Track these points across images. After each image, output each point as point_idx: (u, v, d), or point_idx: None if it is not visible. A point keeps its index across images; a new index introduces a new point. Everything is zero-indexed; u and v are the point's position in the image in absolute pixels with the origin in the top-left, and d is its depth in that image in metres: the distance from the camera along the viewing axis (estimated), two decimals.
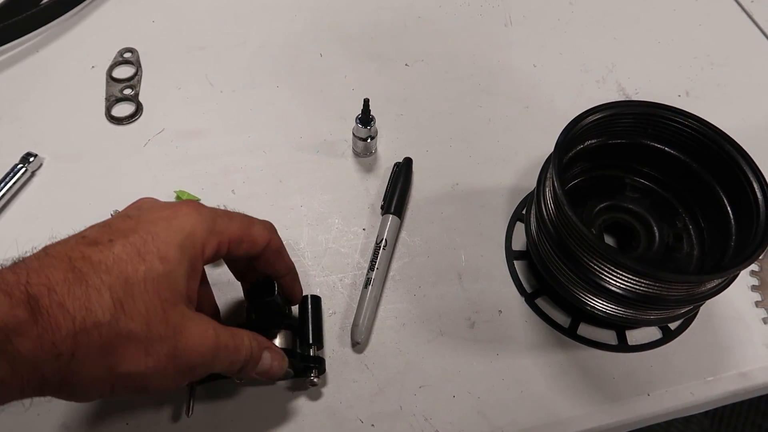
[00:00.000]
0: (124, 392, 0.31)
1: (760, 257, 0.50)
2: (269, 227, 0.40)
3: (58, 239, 0.32)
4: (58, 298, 0.28)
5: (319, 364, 0.41)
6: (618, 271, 0.39)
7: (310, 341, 0.41)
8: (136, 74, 0.60)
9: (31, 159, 0.53)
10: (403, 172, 0.53)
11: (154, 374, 0.31)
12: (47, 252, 0.30)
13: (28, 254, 0.31)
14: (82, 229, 0.33)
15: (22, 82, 0.60)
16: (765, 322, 0.47)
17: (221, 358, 0.34)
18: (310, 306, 0.43)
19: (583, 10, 0.70)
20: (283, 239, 0.40)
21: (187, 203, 0.36)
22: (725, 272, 0.38)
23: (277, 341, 0.40)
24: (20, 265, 0.29)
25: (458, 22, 0.68)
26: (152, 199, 0.37)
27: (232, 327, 0.36)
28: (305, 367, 0.41)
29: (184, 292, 0.33)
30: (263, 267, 0.40)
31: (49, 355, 0.28)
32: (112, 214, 0.46)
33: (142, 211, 0.34)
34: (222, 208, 0.38)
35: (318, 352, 0.42)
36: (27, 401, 0.29)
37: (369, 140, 0.54)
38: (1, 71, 0.61)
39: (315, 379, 0.41)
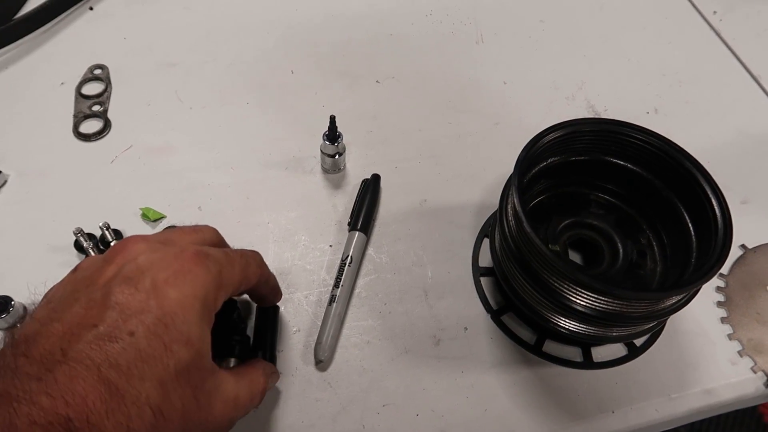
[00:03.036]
0: None
1: (725, 273, 0.51)
2: (260, 261, 0.39)
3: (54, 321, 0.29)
4: (97, 420, 0.26)
5: (271, 361, 0.43)
6: (578, 288, 0.39)
7: (267, 354, 0.42)
8: (105, 90, 0.60)
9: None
10: (370, 188, 0.53)
11: None
12: (66, 356, 0.27)
13: (40, 339, 0.28)
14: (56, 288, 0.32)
15: None
16: (730, 339, 0.47)
17: (238, 417, 0.35)
18: (267, 314, 0.44)
19: (553, 28, 0.71)
20: None
21: (192, 256, 0.33)
22: (683, 289, 0.38)
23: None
24: (46, 379, 0.27)
25: (430, 40, 0.69)
26: (143, 242, 0.33)
27: (248, 368, 0.37)
28: None
29: (210, 363, 0.32)
30: (250, 294, 0.41)
31: None
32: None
33: (144, 273, 0.31)
34: (225, 248, 0.38)
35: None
36: None
37: (337, 156, 0.54)
38: None
39: None
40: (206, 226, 0.39)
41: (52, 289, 0.33)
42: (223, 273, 0.34)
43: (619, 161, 0.47)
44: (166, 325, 0.29)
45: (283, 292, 0.47)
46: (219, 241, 0.39)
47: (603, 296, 0.38)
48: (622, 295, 0.37)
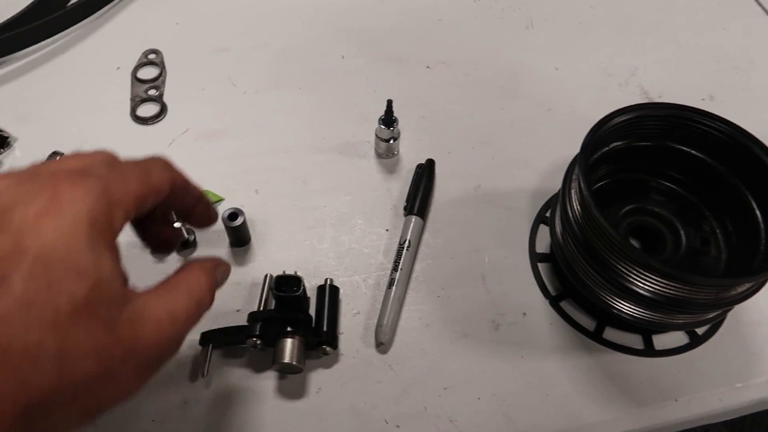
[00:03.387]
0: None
1: None
2: (164, 165, 0.33)
3: None
4: None
5: (333, 340, 0.43)
6: (646, 273, 0.38)
7: (324, 328, 0.43)
8: (160, 75, 0.61)
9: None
10: (426, 173, 0.53)
11: (137, 385, 0.28)
12: None
13: None
14: None
15: (48, 82, 0.61)
16: None
17: (183, 333, 0.30)
18: (327, 293, 0.44)
19: (604, 13, 0.70)
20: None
21: (65, 178, 0.27)
22: (756, 276, 0.37)
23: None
24: None
25: (479, 25, 0.68)
26: (7, 178, 0.27)
27: (180, 274, 0.32)
28: (318, 342, 0.42)
29: (118, 289, 0.27)
30: (172, 207, 0.35)
31: None
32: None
33: (9, 211, 0.26)
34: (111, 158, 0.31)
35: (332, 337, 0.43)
36: None
37: (391, 141, 0.54)
38: (28, 71, 0.61)
39: (327, 348, 0.42)
40: (96, 150, 0.32)
41: None
42: (112, 187, 0.28)
43: (683, 147, 0.46)
44: (47, 263, 0.25)
45: (341, 274, 0.48)
46: (111, 161, 0.31)
47: (673, 281, 0.38)
48: (695, 281, 0.37)
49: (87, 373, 0.25)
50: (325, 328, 0.43)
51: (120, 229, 0.29)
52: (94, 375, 0.25)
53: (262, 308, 0.44)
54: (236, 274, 0.47)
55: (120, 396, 0.27)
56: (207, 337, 0.42)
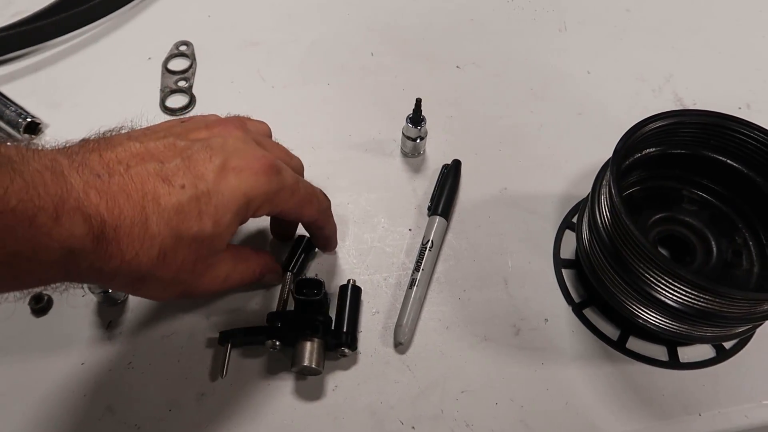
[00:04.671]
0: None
1: None
2: (322, 208, 0.43)
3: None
4: (119, 238, 0.30)
5: (352, 341, 0.42)
6: (676, 283, 0.37)
7: (344, 329, 0.42)
8: (190, 67, 0.61)
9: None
10: (451, 173, 0.52)
11: (160, 299, 0.40)
12: (128, 171, 0.32)
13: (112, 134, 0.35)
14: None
15: (82, 70, 0.61)
16: None
17: (220, 291, 0.40)
18: (349, 295, 0.44)
19: (640, 17, 0.69)
20: None
21: (267, 164, 0.36)
22: None
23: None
24: (103, 179, 0.31)
25: (511, 26, 0.67)
26: (241, 131, 0.38)
27: (251, 255, 0.42)
28: (337, 344, 0.41)
29: (222, 248, 0.36)
30: (303, 226, 0.45)
31: (91, 276, 0.32)
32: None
33: (224, 152, 0.35)
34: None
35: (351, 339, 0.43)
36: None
37: (418, 140, 0.53)
38: (63, 59, 0.62)
39: (345, 350, 0.42)
40: (297, 157, 0.44)
41: (159, 124, 0.39)
42: (280, 194, 0.37)
43: (718, 156, 0.45)
44: (210, 199, 0.33)
45: (362, 272, 0.48)
46: (300, 172, 0.44)
47: (703, 293, 0.37)
48: (727, 294, 0.35)
49: (162, 278, 0.34)
50: (345, 329, 0.42)
51: (258, 215, 0.37)
52: (174, 271, 0.34)
53: (281, 308, 0.44)
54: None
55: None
56: (226, 337, 0.42)
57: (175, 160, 0.34)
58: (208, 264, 0.36)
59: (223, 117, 0.41)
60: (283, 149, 0.43)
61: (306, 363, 0.40)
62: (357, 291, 0.45)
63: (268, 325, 0.42)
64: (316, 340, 0.40)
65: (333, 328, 0.42)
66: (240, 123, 0.39)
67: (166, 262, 0.33)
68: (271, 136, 0.45)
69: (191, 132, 0.37)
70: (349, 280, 0.45)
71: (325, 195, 0.44)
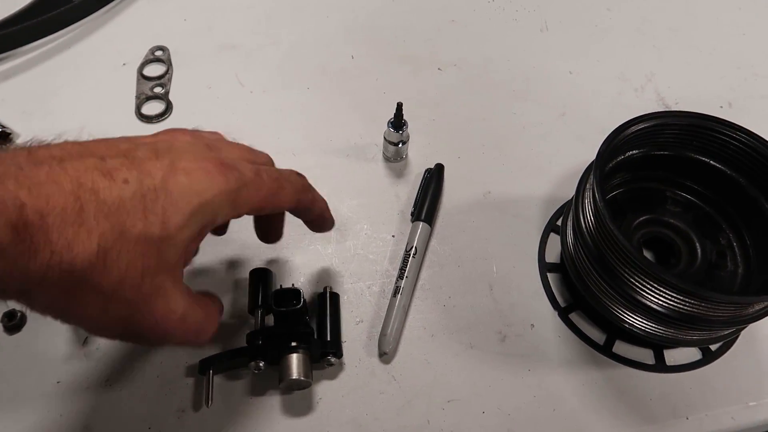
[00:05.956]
0: (70, 324, 0.31)
1: None
2: (298, 188, 0.38)
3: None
4: (47, 227, 0.26)
5: (337, 349, 0.41)
6: (661, 288, 0.37)
7: (328, 338, 0.41)
8: (166, 72, 0.60)
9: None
10: (434, 178, 0.51)
11: (101, 329, 0.31)
12: (61, 164, 0.28)
13: (62, 139, 0.31)
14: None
15: (54, 77, 0.60)
16: None
17: (176, 339, 0.32)
18: (328, 302, 0.43)
19: (621, 17, 0.69)
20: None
21: (219, 164, 0.32)
22: None
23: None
24: (26, 170, 0.27)
25: (492, 27, 0.67)
26: (189, 136, 0.34)
27: (207, 300, 0.35)
28: (323, 353, 0.41)
29: (175, 261, 0.31)
30: (293, 214, 0.40)
31: (15, 278, 0.26)
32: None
33: (172, 152, 0.32)
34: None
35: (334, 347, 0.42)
36: None
37: (400, 145, 0.53)
38: (34, 66, 0.61)
39: (331, 358, 0.41)
40: (263, 153, 0.40)
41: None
42: (243, 192, 0.33)
43: (701, 157, 0.44)
44: (157, 197, 0.29)
45: (345, 281, 0.47)
46: (269, 165, 0.39)
47: (688, 297, 0.36)
48: (712, 298, 0.35)
49: (105, 287, 0.28)
50: (328, 338, 0.41)
51: (223, 222, 0.34)
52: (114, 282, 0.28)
53: (260, 326, 0.42)
54: (238, 277, 0.46)
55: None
56: (207, 364, 0.40)
57: (118, 158, 0.30)
58: (158, 284, 0.30)
59: (171, 129, 0.37)
60: (243, 147, 0.38)
61: (295, 376, 0.39)
62: (335, 297, 0.44)
63: (248, 345, 0.40)
64: (301, 351, 0.39)
65: (316, 337, 0.41)
66: (188, 130, 0.36)
67: (107, 265, 0.28)
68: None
69: (137, 138, 0.34)
70: (325, 288, 0.44)
71: (298, 173, 0.40)
